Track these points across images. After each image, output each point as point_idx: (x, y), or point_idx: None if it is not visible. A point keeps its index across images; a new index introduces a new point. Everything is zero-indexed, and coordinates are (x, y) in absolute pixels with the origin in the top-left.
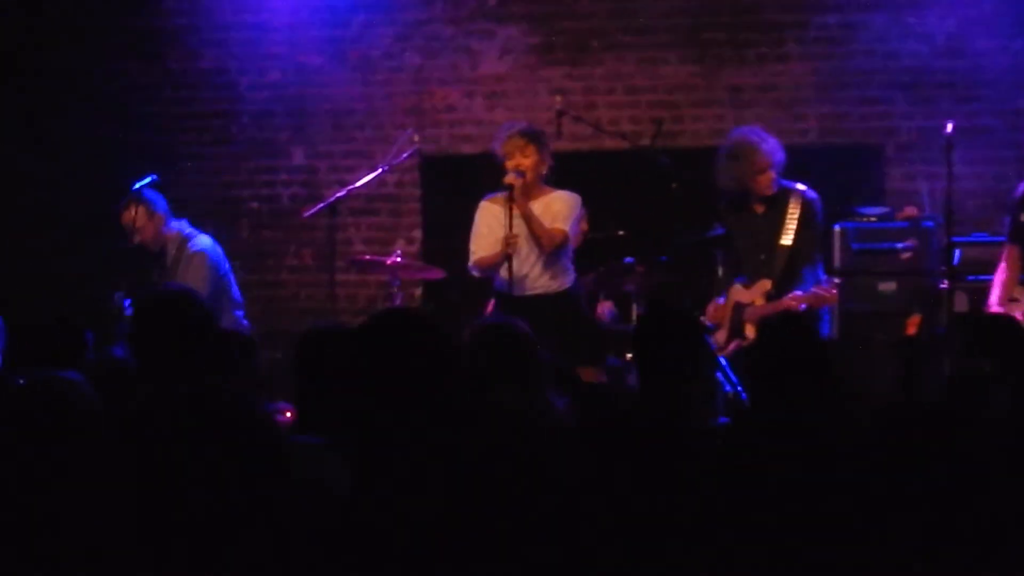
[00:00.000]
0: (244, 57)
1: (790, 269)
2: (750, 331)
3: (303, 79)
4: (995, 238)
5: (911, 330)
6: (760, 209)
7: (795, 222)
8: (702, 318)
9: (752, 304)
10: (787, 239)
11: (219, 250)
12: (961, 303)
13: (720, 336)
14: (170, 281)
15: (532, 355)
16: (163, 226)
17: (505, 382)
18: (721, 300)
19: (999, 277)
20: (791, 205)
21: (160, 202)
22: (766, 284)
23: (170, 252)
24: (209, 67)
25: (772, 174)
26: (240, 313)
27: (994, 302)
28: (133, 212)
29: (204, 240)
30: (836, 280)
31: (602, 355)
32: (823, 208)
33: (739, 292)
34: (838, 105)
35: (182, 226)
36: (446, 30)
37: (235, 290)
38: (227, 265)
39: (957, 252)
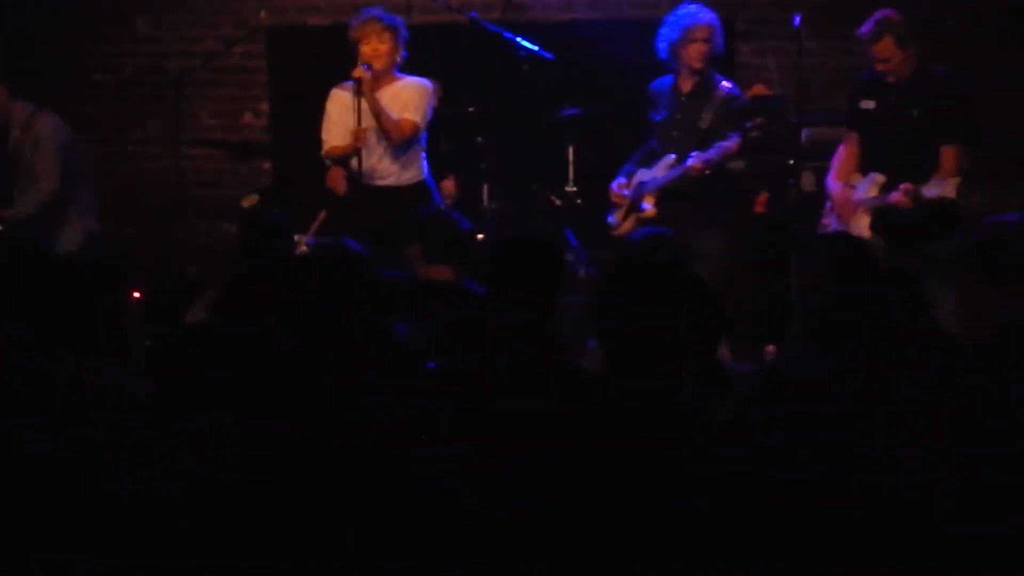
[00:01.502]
0: None
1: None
2: (648, 202)
3: None
4: (842, 117)
5: (759, 208)
6: (686, 88)
7: (712, 114)
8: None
9: (653, 178)
10: (704, 123)
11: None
12: (808, 182)
13: (618, 215)
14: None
15: (368, 278)
16: (6, 98)
17: (343, 310)
18: (622, 179)
19: (838, 158)
20: (714, 97)
21: None
22: (669, 159)
23: (13, 132)
24: None
25: (703, 48)
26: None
27: (830, 179)
28: None
29: (55, 118)
30: (736, 133)
31: (453, 252)
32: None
33: (642, 174)
34: None
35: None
36: None
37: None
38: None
39: (805, 132)
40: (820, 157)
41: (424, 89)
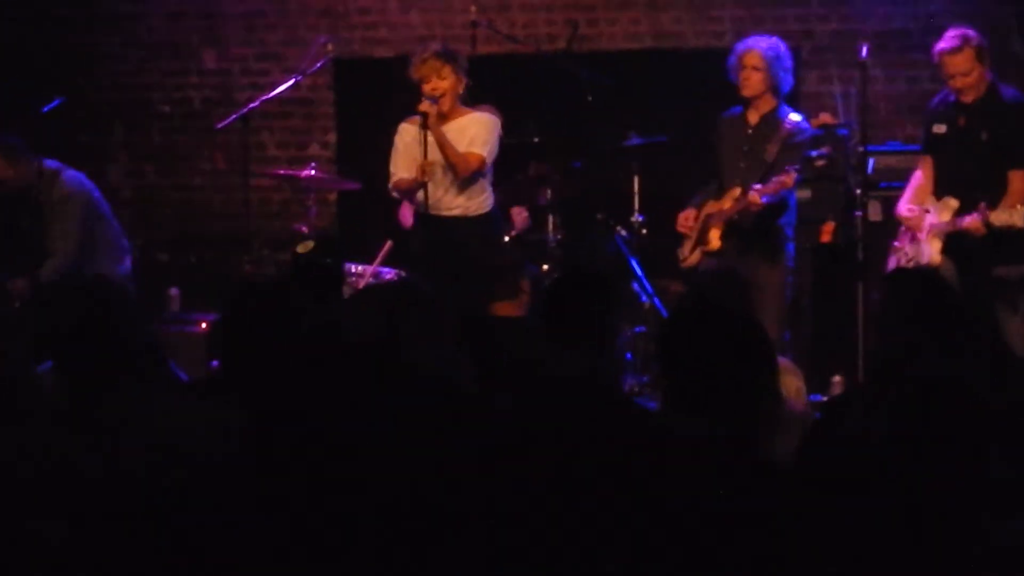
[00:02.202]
0: None
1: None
2: (714, 236)
3: None
4: (908, 146)
5: (825, 237)
6: (754, 119)
7: (777, 147)
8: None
9: (720, 211)
10: (769, 156)
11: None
12: (875, 211)
13: (686, 248)
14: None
15: (435, 312)
16: (28, 165)
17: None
18: (690, 210)
19: (913, 183)
20: (779, 130)
21: (18, 140)
22: (735, 191)
23: (34, 193)
24: None
25: (757, 76)
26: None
27: (903, 202)
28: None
29: (75, 176)
30: (795, 166)
31: (518, 288)
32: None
33: (710, 205)
34: (752, 8)
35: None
36: None
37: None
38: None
39: (871, 160)
40: (886, 186)
41: (491, 123)
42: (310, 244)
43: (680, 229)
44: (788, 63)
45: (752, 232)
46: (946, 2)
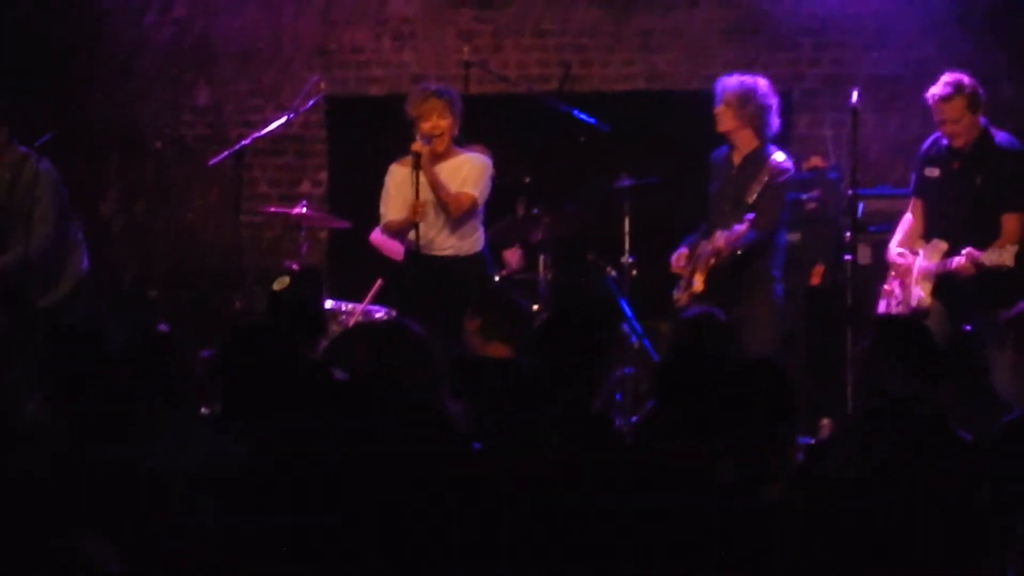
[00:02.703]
0: None
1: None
2: (698, 280)
3: (208, 17)
4: (898, 190)
5: (815, 280)
6: (737, 160)
7: (759, 186)
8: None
9: (703, 254)
10: (750, 198)
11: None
12: (864, 255)
13: (681, 288)
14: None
15: (428, 357)
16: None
17: (398, 389)
18: (682, 250)
19: (903, 226)
20: (762, 170)
21: None
22: (717, 234)
23: (4, 175)
24: (112, 2)
25: (728, 112)
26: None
27: (893, 246)
28: None
29: (47, 162)
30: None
31: (510, 328)
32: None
33: (700, 246)
34: (745, 51)
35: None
36: None
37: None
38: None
39: (861, 204)
40: (876, 229)
41: (483, 165)
42: (285, 280)
43: (674, 270)
44: (768, 102)
45: (736, 275)
46: (937, 47)
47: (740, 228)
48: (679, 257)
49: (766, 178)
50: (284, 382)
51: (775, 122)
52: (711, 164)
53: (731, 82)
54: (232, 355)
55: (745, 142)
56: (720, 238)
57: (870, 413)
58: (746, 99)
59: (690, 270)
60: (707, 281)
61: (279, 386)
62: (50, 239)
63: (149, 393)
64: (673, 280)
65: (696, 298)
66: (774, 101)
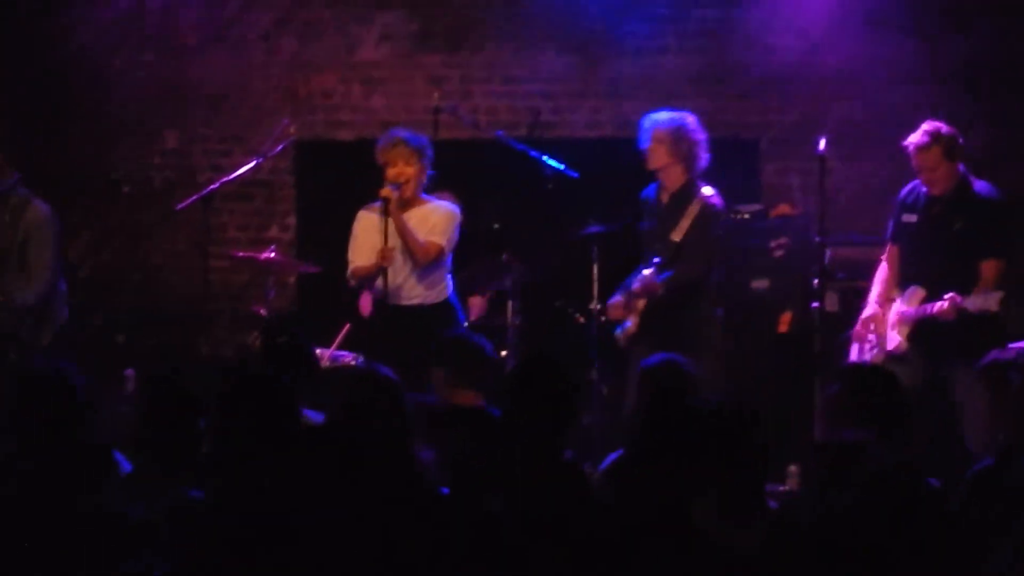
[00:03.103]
0: (118, 36)
1: (675, 263)
2: (633, 321)
3: (178, 60)
4: (866, 237)
5: (783, 327)
6: (666, 198)
7: (688, 222)
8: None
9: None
10: (677, 235)
11: None
12: (832, 302)
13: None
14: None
15: (400, 404)
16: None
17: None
18: (617, 298)
19: (879, 276)
20: (691, 206)
21: None
22: (648, 272)
23: (3, 217)
24: (82, 46)
25: (661, 149)
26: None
27: (872, 300)
28: None
29: (48, 207)
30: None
31: (477, 375)
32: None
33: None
34: (714, 99)
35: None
36: (324, 14)
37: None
38: None
39: (828, 251)
40: (844, 277)
41: (452, 214)
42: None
43: (612, 317)
44: (698, 137)
45: (671, 314)
46: (904, 95)
47: (648, 273)
48: (614, 307)
49: (695, 212)
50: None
51: (704, 157)
52: (642, 202)
53: (662, 118)
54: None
55: (674, 179)
56: (638, 282)
57: (836, 461)
58: (679, 135)
59: (626, 312)
60: (641, 322)
61: (274, 435)
62: (49, 284)
63: (116, 437)
64: None
65: (633, 339)
66: (703, 137)
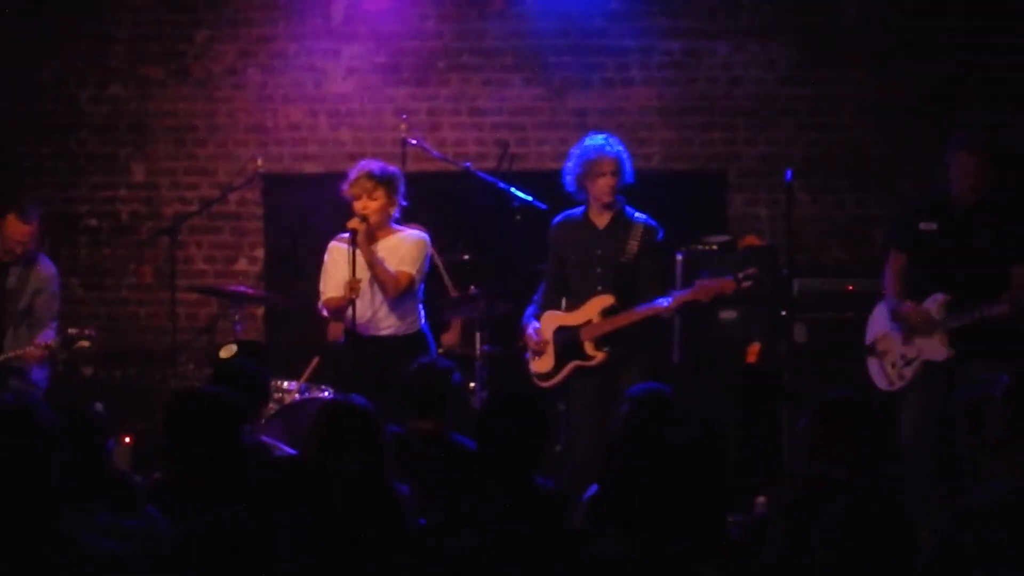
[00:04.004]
0: (84, 70)
1: (631, 287)
2: (590, 349)
3: (144, 94)
4: (833, 269)
5: (751, 359)
6: (601, 223)
7: (637, 243)
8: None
9: (589, 323)
10: (627, 258)
11: None
12: (800, 334)
13: (544, 363)
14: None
15: (376, 435)
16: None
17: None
18: (536, 324)
19: (892, 279)
20: (634, 228)
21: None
22: (606, 299)
23: (13, 271)
24: (48, 79)
25: (612, 182)
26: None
27: (897, 303)
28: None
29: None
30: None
31: (442, 406)
32: (664, 235)
33: (558, 317)
34: (681, 131)
35: None
36: (290, 47)
37: None
38: None
39: (796, 282)
40: (811, 308)
41: (421, 243)
42: (233, 348)
43: (534, 348)
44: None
45: (628, 335)
46: (871, 127)
47: (666, 303)
48: (537, 332)
49: (639, 234)
50: (228, 453)
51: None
52: (561, 230)
53: (611, 151)
54: (176, 423)
55: (607, 205)
56: (664, 303)
57: (805, 494)
58: (624, 164)
59: (559, 343)
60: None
61: (223, 457)
62: (50, 334)
63: (80, 472)
64: None
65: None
66: None
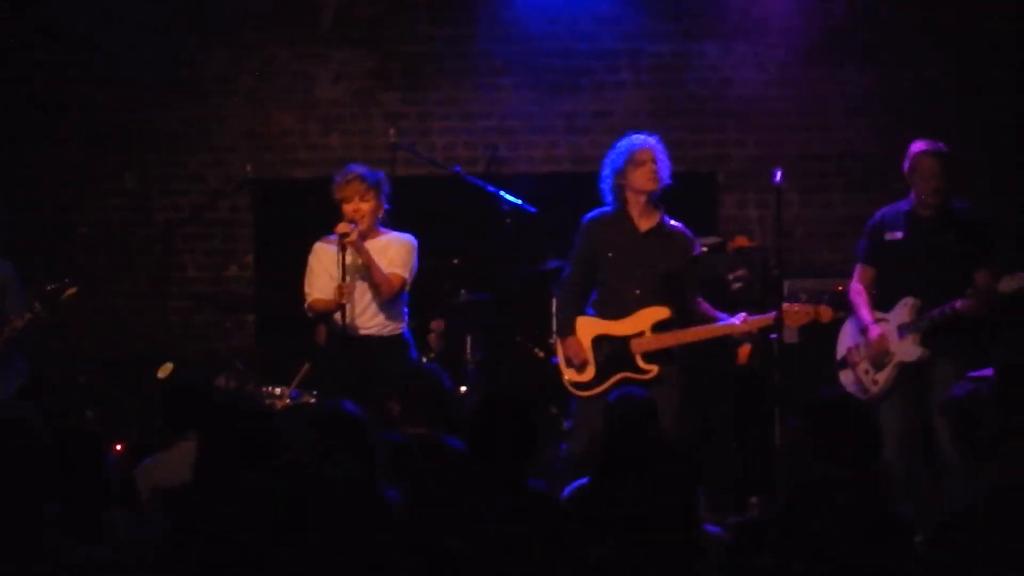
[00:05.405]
0: (75, 79)
1: (674, 298)
2: (642, 363)
3: (135, 102)
4: (824, 269)
5: (742, 360)
6: (643, 226)
7: (682, 253)
8: (558, 360)
9: (642, 335)
10: (673, 267)
11: None
12: (791, 335)
13: (584, 373)
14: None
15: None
16: None
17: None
18: (573, 338)
19: (860, 299)
20: (677, 236)
21: None
22: (661, 311)
23: None
24: (40, 89)
25: (653, 168)
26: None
27: (868, 321)
28: None
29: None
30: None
31: (434, 409)
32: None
33: (598, 324)
34: (671, 133)
35: None
36: (281, 53)
37: None
38: None
39: (786, 283)
40: None
41: (409, 245)
42: (169, 367)
43: (576, 360)
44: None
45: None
46: (862, 129)
47: (737, 321)
48: (577, 345)
49: (680, 243)
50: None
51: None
52: (597, 226)
53: (649, 142)
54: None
55: (654, 205)
56: (742, 321)
57: (802, 496)
58: (662, 157)
59: (602, 355)
60: (649, 360)
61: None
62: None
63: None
64: None
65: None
66: None
